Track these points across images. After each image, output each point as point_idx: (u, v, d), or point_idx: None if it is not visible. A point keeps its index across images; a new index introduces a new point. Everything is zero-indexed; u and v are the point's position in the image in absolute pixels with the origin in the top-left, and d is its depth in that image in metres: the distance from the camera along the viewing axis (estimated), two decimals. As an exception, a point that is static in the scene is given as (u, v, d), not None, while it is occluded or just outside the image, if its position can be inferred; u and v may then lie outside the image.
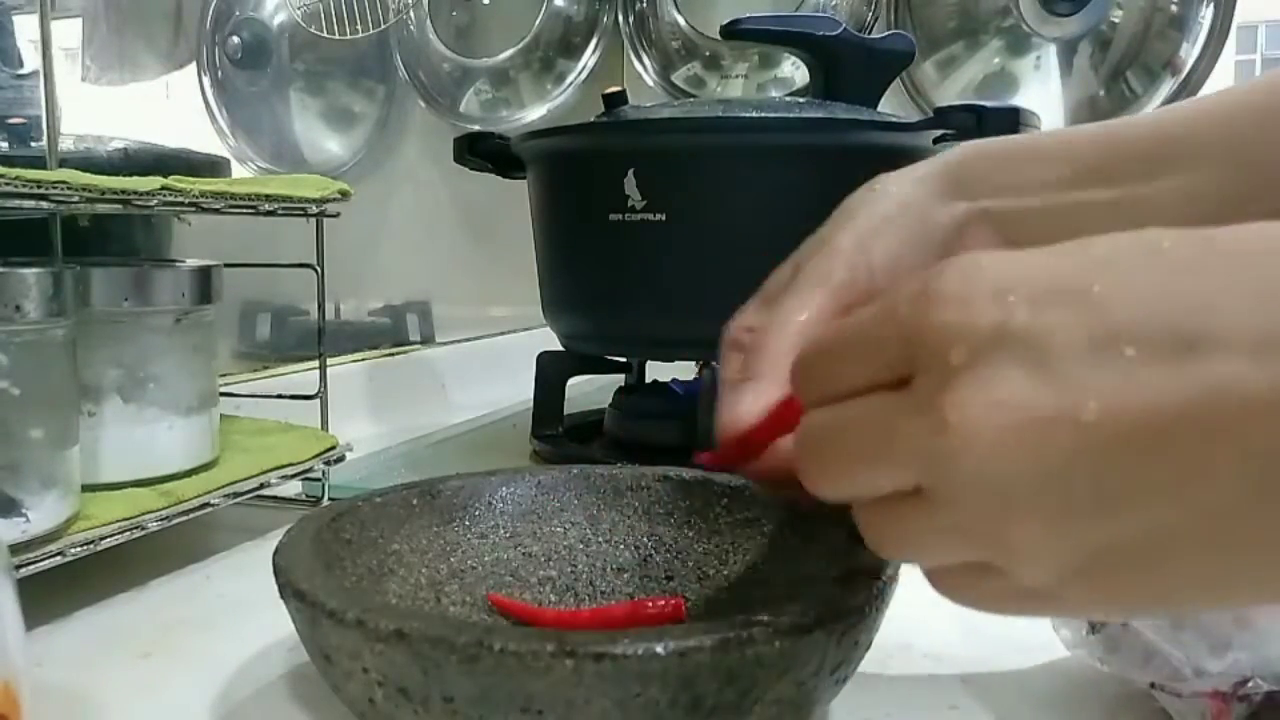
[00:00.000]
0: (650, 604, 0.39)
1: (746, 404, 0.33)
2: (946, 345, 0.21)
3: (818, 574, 0.37)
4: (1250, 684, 0.30)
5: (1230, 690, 0.30)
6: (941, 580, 0.24)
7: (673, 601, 0.38)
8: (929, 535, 0.23)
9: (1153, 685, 0.32)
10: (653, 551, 0.42)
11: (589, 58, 1.23)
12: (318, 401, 0.62)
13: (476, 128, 1.12)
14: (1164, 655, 0.32)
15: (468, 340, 1.11)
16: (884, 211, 0.38)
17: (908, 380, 0.23)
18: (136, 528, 0.45)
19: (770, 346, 0.35)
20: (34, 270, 0.40)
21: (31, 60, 0.63)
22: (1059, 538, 0.21)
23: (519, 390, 0.81)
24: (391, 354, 0.99)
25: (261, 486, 0.53)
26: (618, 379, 0.79)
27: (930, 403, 0.21)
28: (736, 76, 1.30)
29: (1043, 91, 1.17)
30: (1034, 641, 0.38)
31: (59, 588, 0.44)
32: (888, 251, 0.37)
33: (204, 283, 0.51)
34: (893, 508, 0.24)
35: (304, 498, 0.61)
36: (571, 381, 0.74)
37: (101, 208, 0.45)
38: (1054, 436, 0.20)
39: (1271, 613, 0.29)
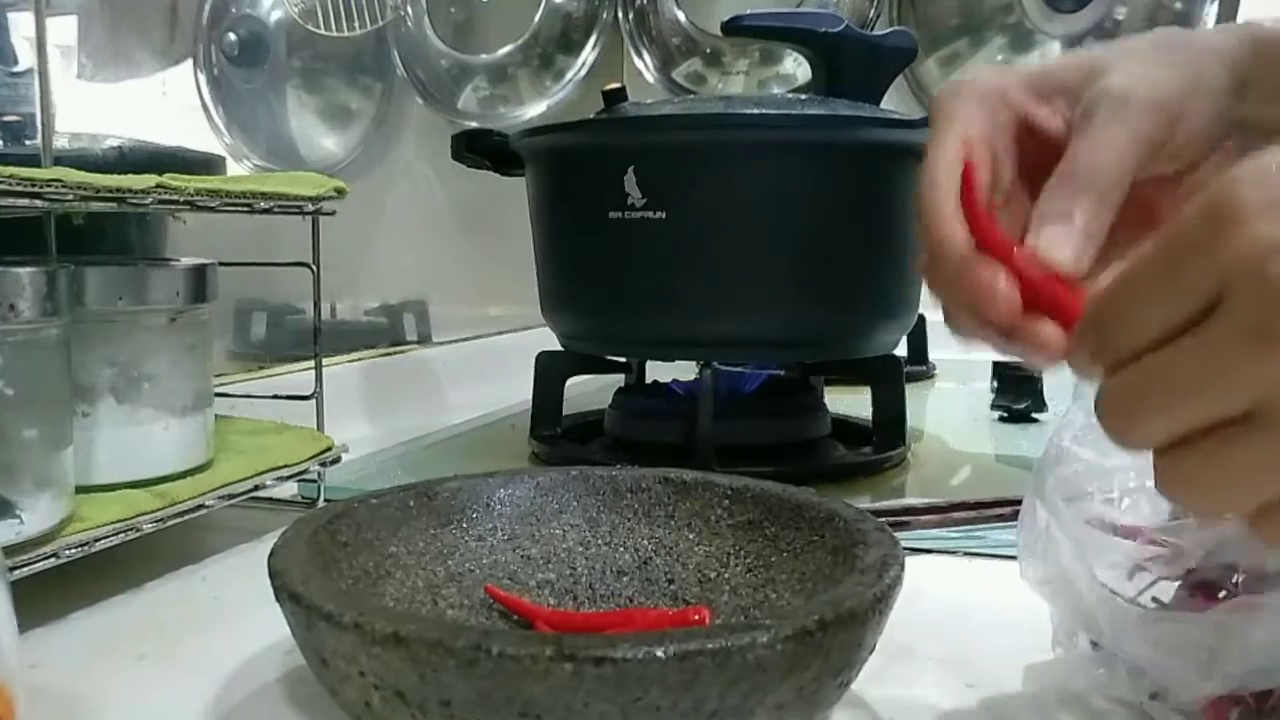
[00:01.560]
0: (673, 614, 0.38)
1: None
2: (1261, 258, 0.21)
3: (820, 576, 0.37)
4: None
5: (1226, 695, 0.30)
6: (1270, 522, 0.23)
7: (700, 611, 0.37)
8: (1261, 465, 0.22)
9: (1152, 696, 0.32)
10: (653, 554, 0.42)
11: (588, 54, 1.23)
12: (313, 402, 0.62)
13: (475, 125, 1.12)
14: (1153, 676, 0.32)
15: (465, 340, 1.10)
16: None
17: (1214, 307, 0.22)
18: (131, 529, 0.44)
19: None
20: (28, 269, 0.40)
21: (26, 57, 0.63)
22: None
23: (517, 390, 0.80)
24: (388, 354, 0.99)
25: (257, 488, 0.53)
26: (617, 379, 0.79)
27: (1257, 319, 0.21)
28: (738, 73, 1.30)
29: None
30: (1036, 645, 0.38)
31: (53, 589, 0.44)
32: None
33: (199, 282, 0.51)
34: (1215, 444, 0.23)
35: (300, 499, 0.61)
36: (571, 381, 0.74)
37: (96, 206, 0.45)
38: None
39: (1253, 620, 0.29)
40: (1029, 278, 0.29)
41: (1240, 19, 1.13)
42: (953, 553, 0.51)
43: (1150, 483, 0.31)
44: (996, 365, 0.91)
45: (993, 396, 0.88)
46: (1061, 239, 0.31)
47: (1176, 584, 0.33)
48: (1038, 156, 0.34)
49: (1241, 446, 0.22)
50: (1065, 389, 0.37)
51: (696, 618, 0.36)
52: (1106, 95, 0.33)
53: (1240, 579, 0.31)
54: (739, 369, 0.74)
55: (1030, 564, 0.36)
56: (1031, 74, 0.36)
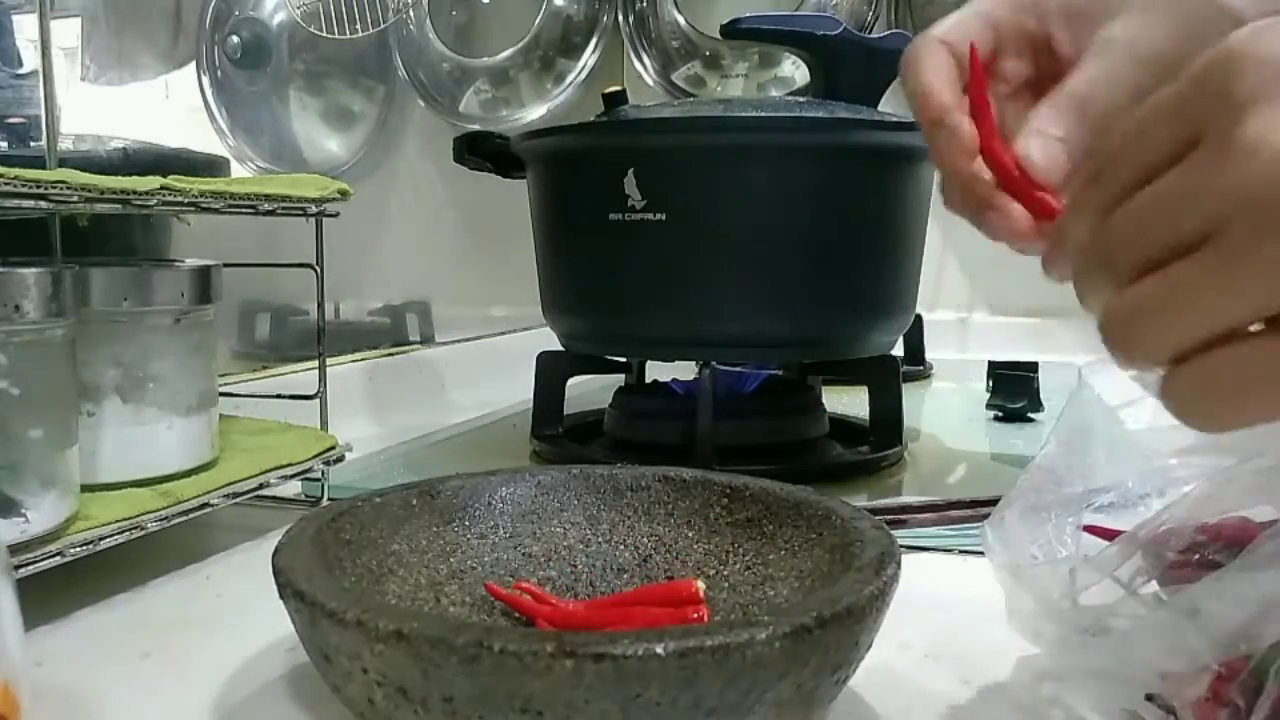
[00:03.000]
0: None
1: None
2: (1228, 81, 0.22)
3: (818, 574, 0.37)
4: (1232, 688, 0.29)
5: (1212, 698, 0.30)
6: (1233, 369, 0.23)
7: (699, 610, 0.38)
8: (1229, 284, 0.22)
9: (1148, 698, 0.32)
10: (653, 552, 0.42)
11: (589, 57, 1.23)
12: (317, 401, 0.62)
13: (476, 127, 1.12)
14: (1124, 678, 0.32)
15: (467, 340, 1.11)
16: None
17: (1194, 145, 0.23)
18: (136, 528, 0.45)
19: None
20: (33, 270, 0.40)
21: (31, 60, 0.63)
22: None
23: (519, 390, 0.81)
24: (391, 354, 0.99)
25: (261, 486, 0.53)
26: (618, 379, 0.79)
27: (1224, 139, 0.22)
28: (737, 76, 1.30)
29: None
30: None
31: (58, 588, 0.44)
32: None
33: (203, 282, 0.51)
34: (1183, 268, 0.23)
35: (303, 498, 0.61)
36: (571, 381, 0.74)
37: (101, 207, 0.45)
38: None
39: (1211, 592, 0.29)
40: (1009, 170, 0.35)
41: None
42: (949, 550, 0.51)
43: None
44: (992, 365, 0.91)
45: (988, 396, 0.88)
46: (1038, 148, 0.35)
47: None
48: (1051, 72, 0.38)
49: (1210, 265, 0.22)
50: (1061, 390, 0.37)
51: (695, 616, 0.37)
52: (1109, 43, 0.36)
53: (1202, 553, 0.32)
54: (738, 369, 0.74)
55: (1000, 555, 0.37)
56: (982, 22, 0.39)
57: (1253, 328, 0.23)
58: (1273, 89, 0.22)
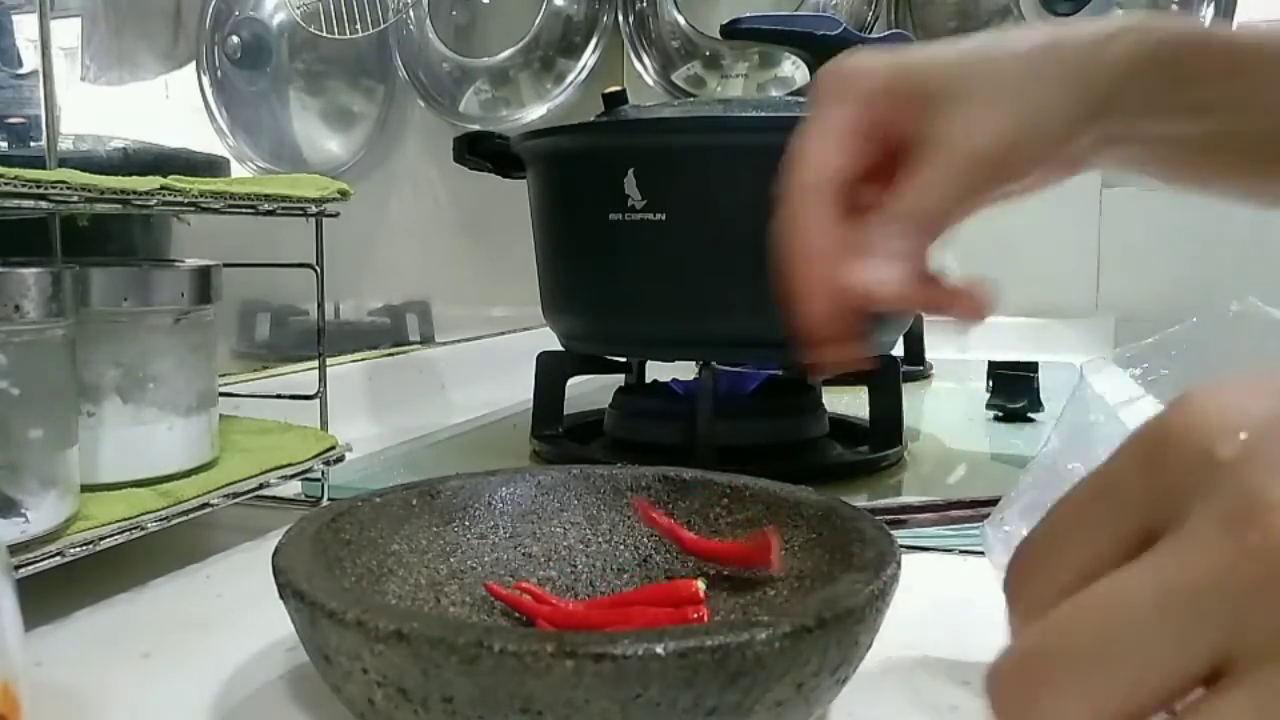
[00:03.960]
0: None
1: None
2: (1210, 443, 0.17)
3: (818, 574, 0.37)
4: None
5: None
6: None
7: (699, 610, 0.37)
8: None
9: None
10: (652, 552, 0.42)
11: (589, 57, 1.23)
12: (317, 401, 0.62)
13: (476, 127, 1.12)
14: None
15: (467, 340, 1.11)
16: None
17: (1157, 535, 0.17)
18: (136, 528, 0.45)
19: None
20: (33, 270, 0.40)
21: (31, 60, 0.63)
22: None
23: (519, 390, 0.81)
24: (391, 354, 0.99)
25: (261, 486, 0.53)
26: (618, 379, 0.79)
27: (1228, 517, 0.16)
28: (737, 76, 1.30)
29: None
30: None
31: (58, 588, 0.44)
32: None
33: (203, 282, 0.51)
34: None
35: (303, 498, 0.61)
36: (571, 381, 0.74)
37: (101, 207, 0.45)
38: None
39: None
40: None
41: (1237, 20, 1.13)
42: (949, 550, 0.51)
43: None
44: (992, 365, 0.91)
45: (988, 396, 0.88)
46: (884, 271, 0.35)
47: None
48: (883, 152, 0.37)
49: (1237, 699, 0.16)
50: (1061, 389, 0.37)
51: (695, 616, 0.37)
52: (937, 144, 0.35)
53: None
54: (738, 369, 0.74)
55: (1000, 555, 0.37)
56: (899, 69, 0.36)
57: None
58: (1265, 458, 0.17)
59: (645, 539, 0.43)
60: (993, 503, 0.51)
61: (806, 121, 0.37)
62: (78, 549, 0.42)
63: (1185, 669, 0.16)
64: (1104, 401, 0.41)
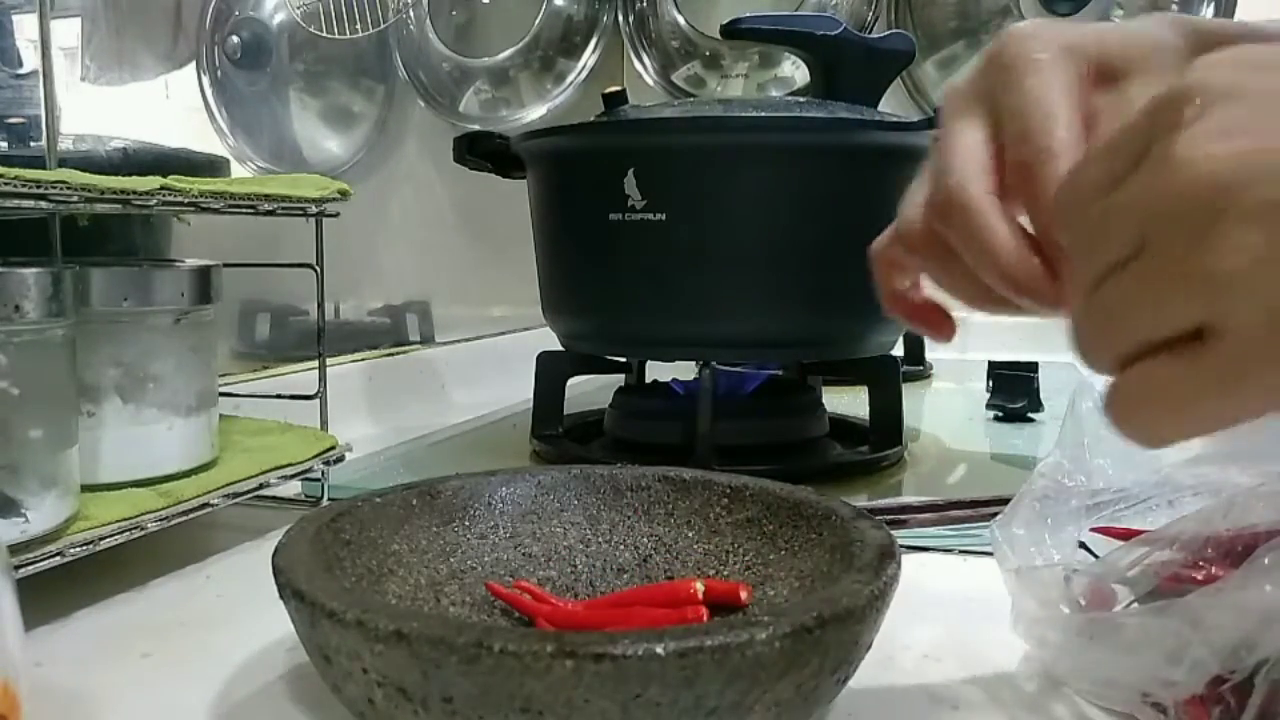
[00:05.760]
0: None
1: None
2: (1176, 108, 0.23)
3: (818, 574, 0.37)
4: (1225, 685, 0.29)
5: (1206, 695, 0.30)
6: (1162, 381, 0.23)
7: (697, 610, 0.37)
8: (1150, 295, 0.23)
9: (1144, 697, 0.32)
10: (652, 552, 0.42)
11: (589, 57, 1.23)
12: (317, 401, 0.62)
13: (476, 127, 1.12)
14: (1124, 684, 0.32)
15: (467, 340, 1.11)
16: None
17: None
18: (136, 528, 0.45)
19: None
20: (33, 270, 0.40)
21: (31, 60, 0.63)
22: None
23: (519, 390, 0.81)
24: (391, 354, 0.99)
25: (261, 487, 0.53)
26: (618, 379, 0.79)
27: (1160, 156, 0.23)
28: (737, 76, 1.30)
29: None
30: (1034, 642, 0.38)
31: (58, 588, 0.44)
32: None
33: (203, 283, 0.51)
34: (1120, 278, 0.24)
35: (303, 498, 0.61)
36: (571, 381, 0.74)
37: (101, 207, 0.45)
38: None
39: (1215, 603, 0.29)
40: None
41: (1236, 19, 1.13)
42: (949, 550, 0.51)
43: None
44: (992, 365, 0.91)
45: (988, 396, 0.88)
46: None
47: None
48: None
49: (1139, 274, 0.23)
50: (1061, 389, 0.37)
51: (695, 616, 0.37)
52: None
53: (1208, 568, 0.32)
54: (738, 369, 0.74)
55: (1008, 560, 0.37)
56: (1092, 40, 0.33)
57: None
58: (1213, 112, 0.22)
59: (645, 539, 0.43)
60: (993, 503, 0.51)
61: (1010, 78, 0.32)
62: (78, 549, 0.42)
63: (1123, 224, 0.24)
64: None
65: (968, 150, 0.31)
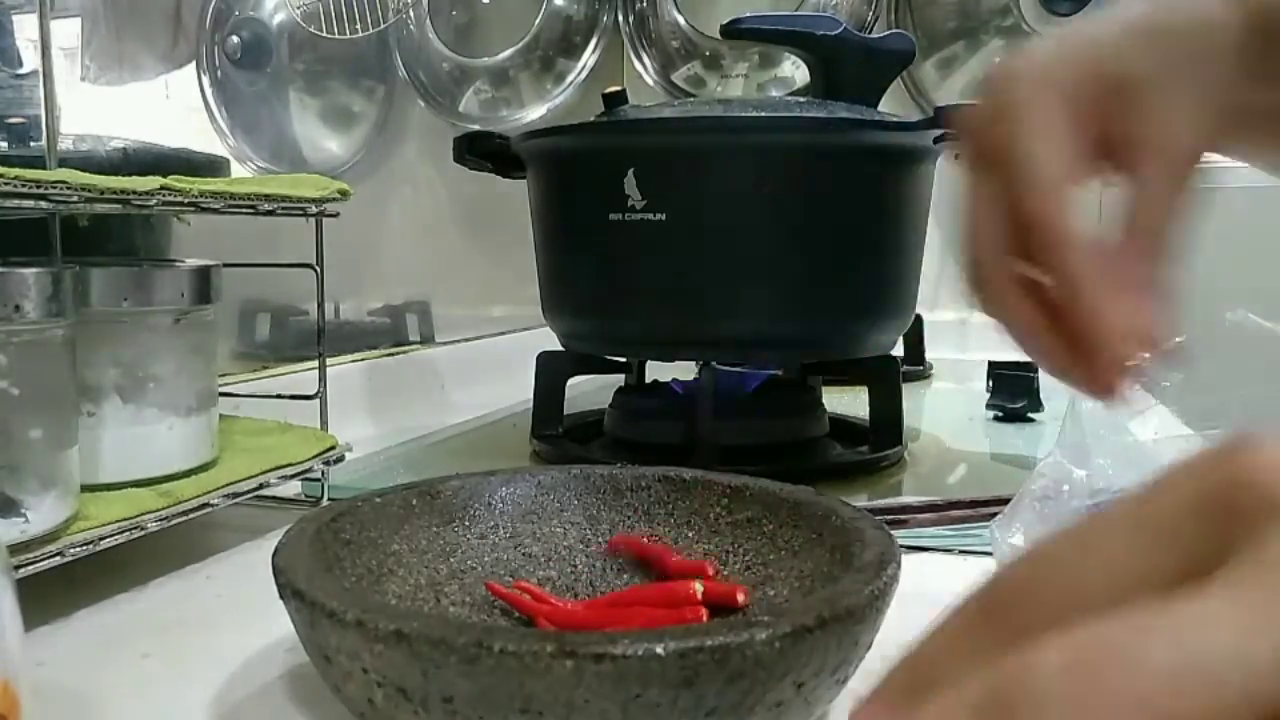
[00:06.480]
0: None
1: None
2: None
3: (818, 574, 0.37)
4: None
5: None
6: None
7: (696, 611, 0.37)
8: None
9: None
10: (653, 552, 0.42)
11: (589, 57, 1.23)
12: (317, 401, 0.62)
13: (476, 127, 1.12)
14: None
15: (467, 340, 1.11)
16: None
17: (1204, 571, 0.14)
18: (136, 528, 0.45)
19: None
20: (33, 270, 0.40)
21: (31, 60, 0.63)
22: None
23: (519, 390, 0.81)
24: (391, 354, 0.99)
25: (261, 487, 0.53)
26: (618, 379, 0.79)
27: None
28: (737, 76, 1.30)
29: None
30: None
31: (58, 588, 0.44)
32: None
33: (203, 283, 0.51)
34: None
35: (303, 498, 0.61)
36: (571, 381, 0.74)
37: (100, 207, 0.45)
38: None
39: None
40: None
41: None
42: (949, 550, 0.51)
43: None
44: (992, 365, 0.91)
45: (988, 396, 0.88)
46: (1145, 309, 0.32)
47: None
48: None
49: None
50: (1061, 390, 0.37)
51: (693, 616, 0.37)
52: (1155, 150, 0.33)
53: None
54: (738, 369, 0.74)
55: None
56: (1092, 57, 0.33)
57: None
58: None
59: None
60: (993, 503, 0.51)
61: (1002, 118, 0.32)
62: (78, 549, 0.42)
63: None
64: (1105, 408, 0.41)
65: (981, 224, 0.33)
